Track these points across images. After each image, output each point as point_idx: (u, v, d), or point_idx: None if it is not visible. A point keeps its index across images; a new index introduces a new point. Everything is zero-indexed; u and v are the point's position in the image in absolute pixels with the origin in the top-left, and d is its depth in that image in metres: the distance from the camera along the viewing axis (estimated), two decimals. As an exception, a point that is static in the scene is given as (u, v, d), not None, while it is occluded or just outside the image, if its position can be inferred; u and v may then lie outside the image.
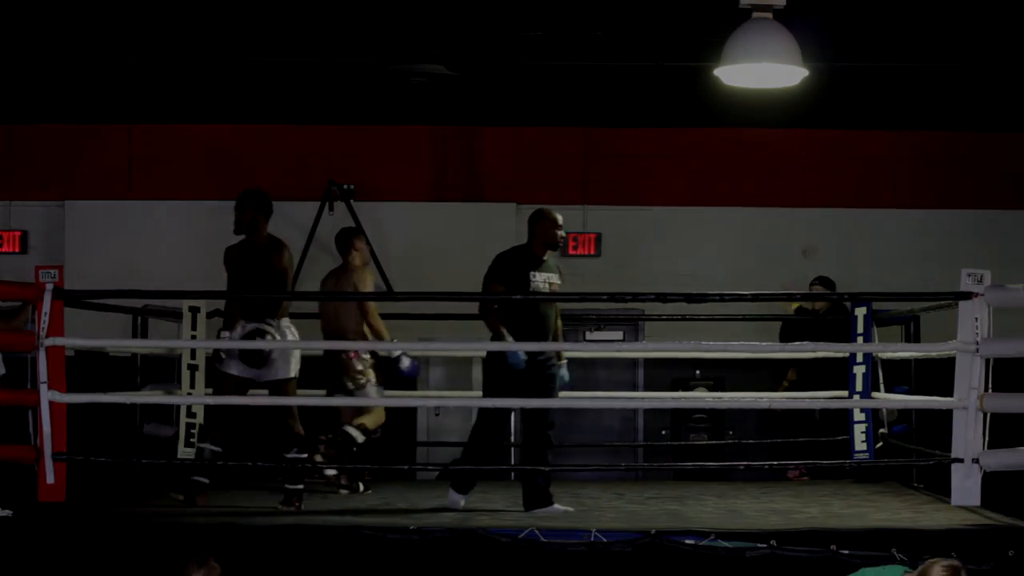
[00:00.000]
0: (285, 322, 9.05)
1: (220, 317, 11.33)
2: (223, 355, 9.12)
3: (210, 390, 10.86)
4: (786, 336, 12.17)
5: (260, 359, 8.89)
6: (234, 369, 8.98)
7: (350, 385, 10.16)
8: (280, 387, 9.01)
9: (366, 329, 10.18)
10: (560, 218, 9.19)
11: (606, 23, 11.07)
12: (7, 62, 11.99)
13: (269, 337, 8.87)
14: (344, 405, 10.37)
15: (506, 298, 8.95)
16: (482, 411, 9.08)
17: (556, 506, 8.96)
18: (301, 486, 9.00)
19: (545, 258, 9.12)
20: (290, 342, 9.04)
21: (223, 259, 9.21)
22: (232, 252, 9.22)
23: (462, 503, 9.10)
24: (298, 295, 12.80)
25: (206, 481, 9.02)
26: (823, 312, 11.92)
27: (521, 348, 8.80)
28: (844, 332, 11.06)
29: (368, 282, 10.30)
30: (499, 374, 8.93)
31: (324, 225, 13.27)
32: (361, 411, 10.30)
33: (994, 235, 13.41)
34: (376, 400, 10.23)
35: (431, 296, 10.58)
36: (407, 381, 10.74)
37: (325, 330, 10.33)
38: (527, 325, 8.93)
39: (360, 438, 10.14)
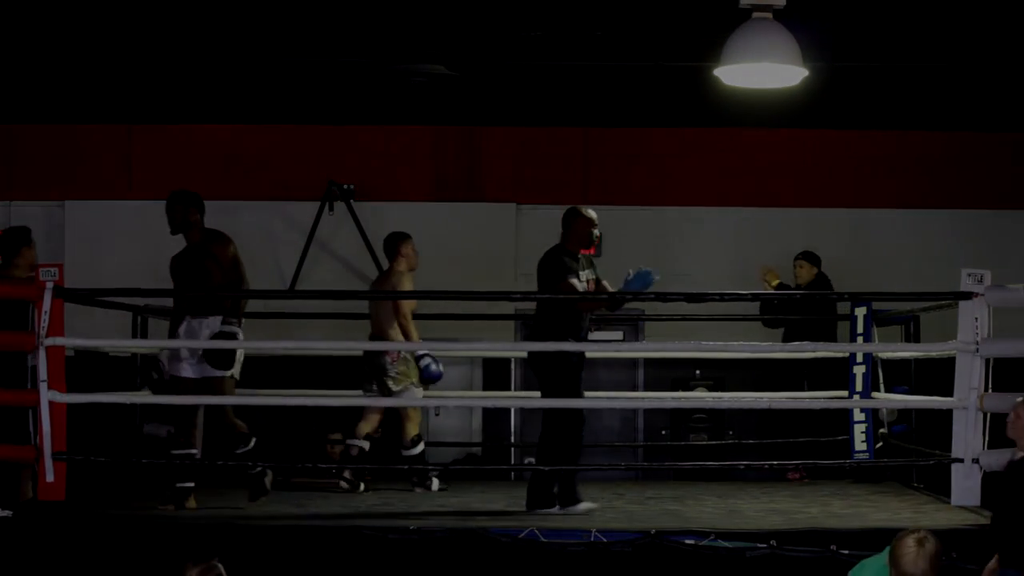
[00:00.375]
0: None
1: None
2: (163, 362, 9.14)
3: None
4: (768, 311, 12.12)
5: (229, 360, 8.89)
6: (188, 371, 8.95)
7: (392, 386, 10.26)
8: (214, 385, 8.94)
9: (394, 331, 10.31)
10: (595, 216, 9.20)
11: (606, 23, 11.07)
12: (7, 62, 11.99)
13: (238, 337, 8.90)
14: (370, 405, 10.53)
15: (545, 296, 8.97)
16: (561, 412, 8.97)
17: (564, 507, 8.94)
18: (258, 468, 8.95)
19: (579, 256, 9.14)
20: (250, 343, 9.17)
21: (168, 268, 9.19)
22: (174, 260, 9.20)
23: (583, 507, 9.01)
24: (297, 293, 12.81)
25: (191, 484, 8.96)
26: (805, 284, 11.94)
27: (574, 347, 8.89)
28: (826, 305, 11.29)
29: (405, 287, 10.39)
30: (569, 370, 8.95)
31: (324, 225, 13.27)
32: (402, 427, 10.52)
33: (994, 235, 13.40)
34: (401, 401, 10.31)
35: (431, 296, 10.59)
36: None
37: (371, 332, 10.48)
38: (580, 321, 9.02)
39: (421, 447, 10.49)
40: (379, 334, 10.39)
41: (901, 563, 5.98)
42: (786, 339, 11.90)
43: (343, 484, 10.22)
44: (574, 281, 8.95)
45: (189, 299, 9.03)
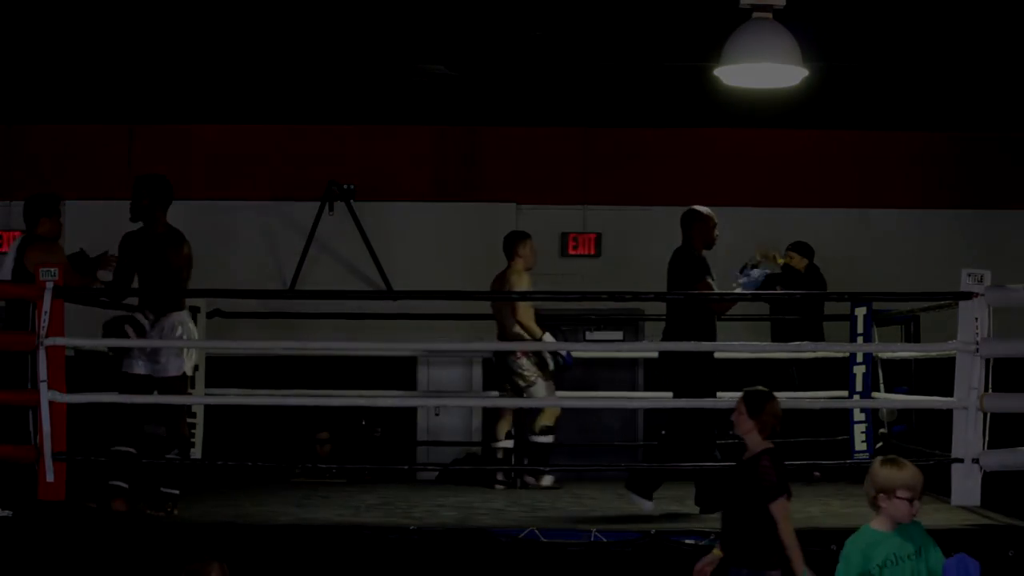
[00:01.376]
0: (185, 315, 8.89)
1: (220, 317, 11.39)
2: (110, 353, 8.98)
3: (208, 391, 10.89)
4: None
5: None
6: (140, 368, 8.81)
7: (520, 383, 10.49)
8: (172, 384, 8.79)
9: (519, 329, 10.52)
10: (714, 214, 9.25)
11: (606, 23, 11.06)
12: (7, 62, 11.98)
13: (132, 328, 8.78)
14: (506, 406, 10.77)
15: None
16: (689, 411, 8.96)
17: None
18: (177, 491, 8.67)
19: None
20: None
21: (119, 244, 9.01)
22: (130, 239, 9.00)
23: (648, 506, 9.06)
24: (297, 293, 12.82)
25: (125, 485, 8.65)
26: (804, 269, 11.93)
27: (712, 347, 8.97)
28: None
29: (522, 286, 10.55)
30: (706, 370, 8.98)
31: (324, 225, 13.26)
32: (535, 414, 10.74)
33: (994, 235, 13.40)
34: (538, 401, 10.54)
35: (431, 295, 10.60)
36: (409, 381, 10.85)
37: (498, 333, 10.75)
38: (714, 321, 9.12)
39: (550, 438, 10.63)
40: (503, 333, 10.64)
41: (901, 480, 5.84)
42: (774, 334, 11.93)
43: (498, 486, 10.53)
44: (711, 281, 9.05)
45: (141, 295, 8.87)
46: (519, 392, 10.45)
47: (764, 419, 6.68)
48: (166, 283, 8.82)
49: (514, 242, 10.78)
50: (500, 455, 10.76)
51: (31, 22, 10.98)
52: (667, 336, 9.18)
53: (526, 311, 10.48)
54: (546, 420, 10.71)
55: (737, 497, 6.57)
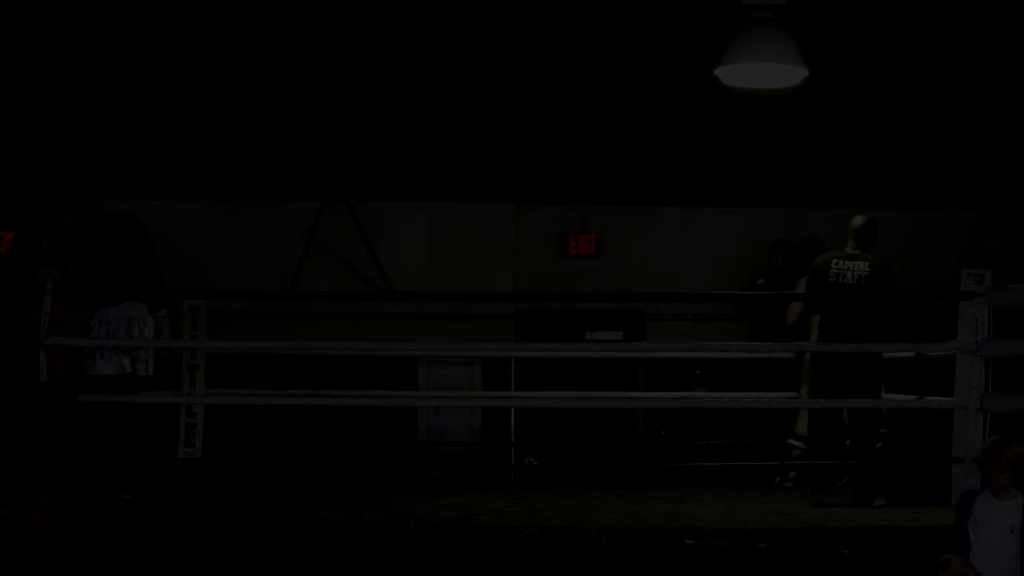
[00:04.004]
0: (113, 311, 8.82)
1: (220, 317, 11.40)
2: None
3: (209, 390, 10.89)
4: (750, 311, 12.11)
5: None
6: (114, 368, 8.77)
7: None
8: (91, 381, 8.68)
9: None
10: None
11: (607, 23, 11.08)
12: (9, 65, 12.00)
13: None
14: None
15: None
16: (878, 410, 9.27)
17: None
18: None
19: None
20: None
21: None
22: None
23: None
24: (300, 294, 12.81)
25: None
26: (781, 270, 11.91)
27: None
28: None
29: (800, 287, 10.73)
30: (884, 370, 9.35)
31: (324, 225, 13.27)
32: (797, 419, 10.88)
33: (994, 235, 13.40)
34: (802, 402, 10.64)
35: (431, 296, 10.60)
36: (409, 381, 10.81)
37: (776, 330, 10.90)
38: None
39: (802, 444, 10.62)
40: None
41: None
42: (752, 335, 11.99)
43: (786, 485, 10.62)
44: None
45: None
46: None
47: None
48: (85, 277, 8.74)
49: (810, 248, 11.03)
50: (796, 453, 10.75)
51: (34, 25, 11.00)
52: (863, 336, 9.32)
53: (793, 315, 10.61)
54: (803, 428, 10.77)
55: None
